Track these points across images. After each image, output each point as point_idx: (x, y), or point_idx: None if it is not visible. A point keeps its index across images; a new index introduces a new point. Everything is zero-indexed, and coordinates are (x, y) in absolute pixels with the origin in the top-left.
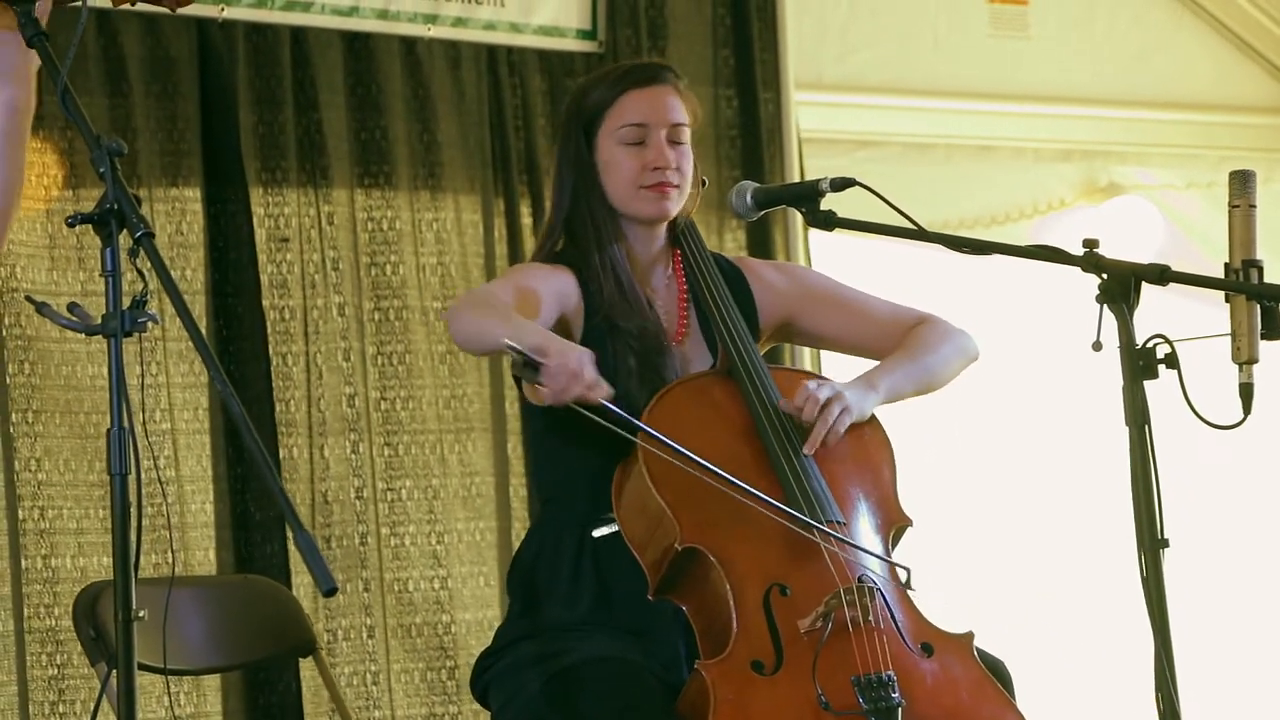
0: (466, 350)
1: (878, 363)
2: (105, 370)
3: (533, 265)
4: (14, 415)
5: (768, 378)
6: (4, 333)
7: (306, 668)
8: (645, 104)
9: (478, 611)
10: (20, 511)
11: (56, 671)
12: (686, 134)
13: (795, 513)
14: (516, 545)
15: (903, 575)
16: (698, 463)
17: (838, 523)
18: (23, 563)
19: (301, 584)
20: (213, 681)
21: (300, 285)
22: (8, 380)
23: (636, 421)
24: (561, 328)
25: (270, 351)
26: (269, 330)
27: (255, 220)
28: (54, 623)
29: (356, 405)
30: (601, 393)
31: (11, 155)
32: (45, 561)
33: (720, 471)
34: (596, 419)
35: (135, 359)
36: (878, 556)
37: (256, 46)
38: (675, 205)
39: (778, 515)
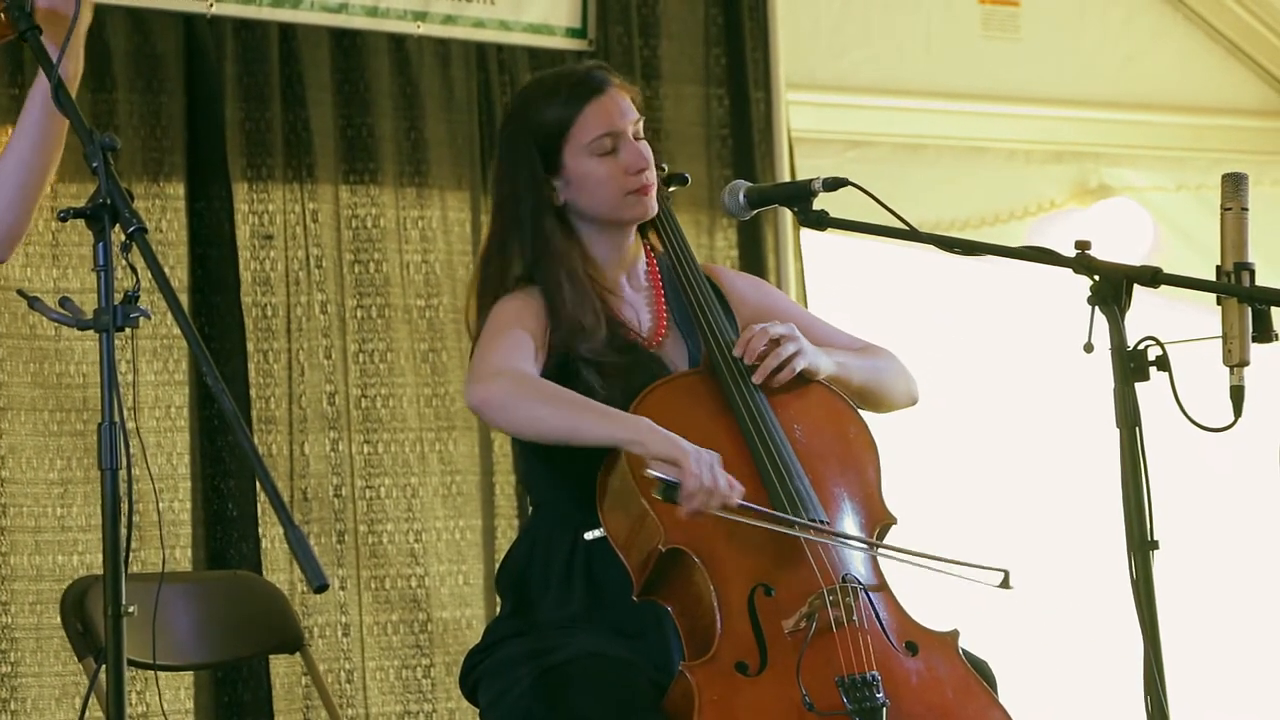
0: (529, 440)
1: None
2: (72, 368)
3: (515, 306)
4: None
5: (749, 375)
6: None
7: (278, 664)
8: (607, 112)
9: (455, 610)
10: None
11: (10, 669)
12: (642, 126)
13: (818, 527)
14: (501, 542)
15: (997, 578)
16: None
17: (820, 521)
18: None
19: (275, 581)
20: (183, 679)
21: (284, 282)
22: None
23: (775, 513)
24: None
25: (251, 348)
26: (251, 327)
27: (239, 217)
28: (9, 620)
29: (337, 403)
30: (737, 496)
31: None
32: (4, 559)
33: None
34: (738, 519)
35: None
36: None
37: (244, 42)
38: (655, 202)
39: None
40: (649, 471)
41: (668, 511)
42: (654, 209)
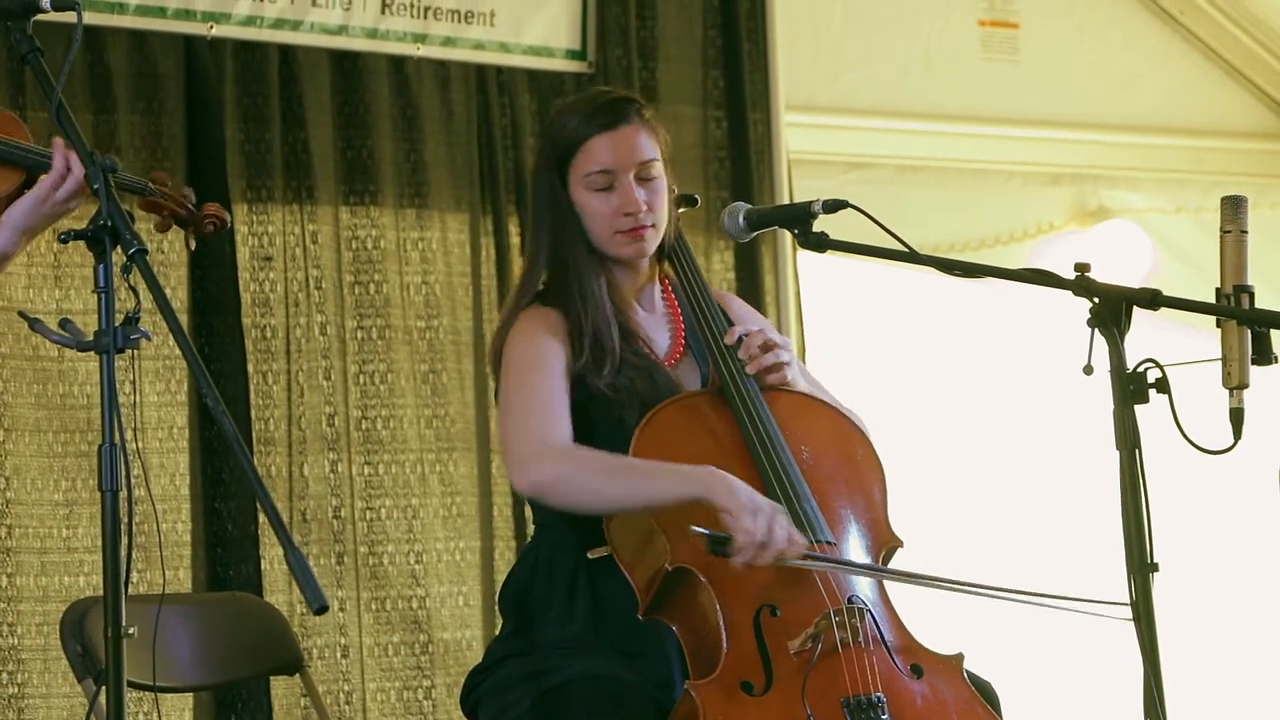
0: (586, 513)
1: None
2: (76, 389)
3: (532, 337)
4: None
5: (759, 397)
6: None
7: (278, 685)
8: (610, 149)
9: (456, 631)
10: None
11: (17, 690)
12: (657, 167)
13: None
14: (499, 564)
15: (1125, 612)
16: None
17: (828, 543)
18: None
19: (275, 603)
20: (184, 701)
21: (283, 303)
22: None
23: (831, 559)
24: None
25: (251, 369)
26: (251, 348)
27: (239, 238)
28: (15, 641)
29: (336, 424)
30: (797, 549)
31: None
32: (10, 580)
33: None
34: (797, 564)
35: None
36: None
37: (245, 64)
38: (652, 243)
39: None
40: (694, 529)
41: (678, 533)
42: (647, 252)
